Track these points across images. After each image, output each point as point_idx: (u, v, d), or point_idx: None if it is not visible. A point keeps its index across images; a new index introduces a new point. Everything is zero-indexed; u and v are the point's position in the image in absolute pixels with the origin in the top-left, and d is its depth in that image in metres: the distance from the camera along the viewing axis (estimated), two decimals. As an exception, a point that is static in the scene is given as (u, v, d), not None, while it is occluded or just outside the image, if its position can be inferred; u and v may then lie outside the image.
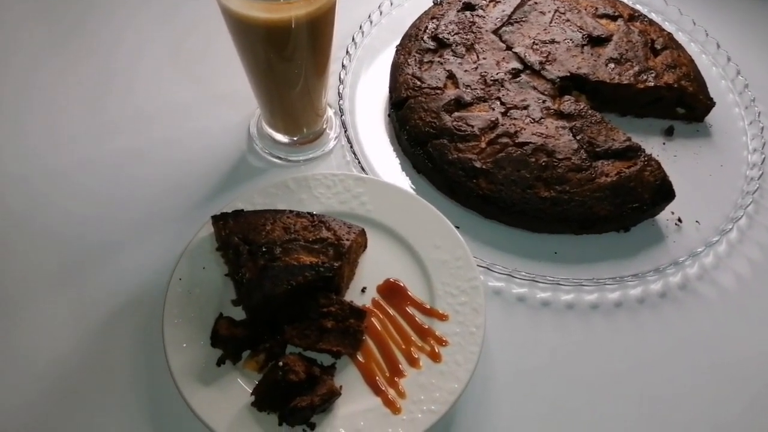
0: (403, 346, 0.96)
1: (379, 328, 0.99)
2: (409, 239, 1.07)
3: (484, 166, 1.13)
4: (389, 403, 0.91)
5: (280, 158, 1.25)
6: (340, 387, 0.90)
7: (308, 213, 1.12)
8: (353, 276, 1.05)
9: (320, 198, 1.19)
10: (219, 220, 1.09)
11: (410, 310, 1.01)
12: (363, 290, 1.03)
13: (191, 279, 1.00)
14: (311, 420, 0.87)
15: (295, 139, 1.32)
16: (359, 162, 1.20)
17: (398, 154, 1.27)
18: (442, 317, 1.00)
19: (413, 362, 0.95)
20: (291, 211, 1.12)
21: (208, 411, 0.87)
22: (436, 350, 0.96)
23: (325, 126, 1.26)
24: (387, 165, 1.23)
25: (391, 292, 1.03)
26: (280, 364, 0.88)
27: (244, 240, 1.06)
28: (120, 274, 1.07)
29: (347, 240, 1.02)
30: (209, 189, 1.20)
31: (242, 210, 1.12)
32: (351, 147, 1.21)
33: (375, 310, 1.01)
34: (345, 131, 1.23)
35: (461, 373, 0.92)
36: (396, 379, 0.93)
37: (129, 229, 1.13)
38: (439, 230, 1.06)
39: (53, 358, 0.99)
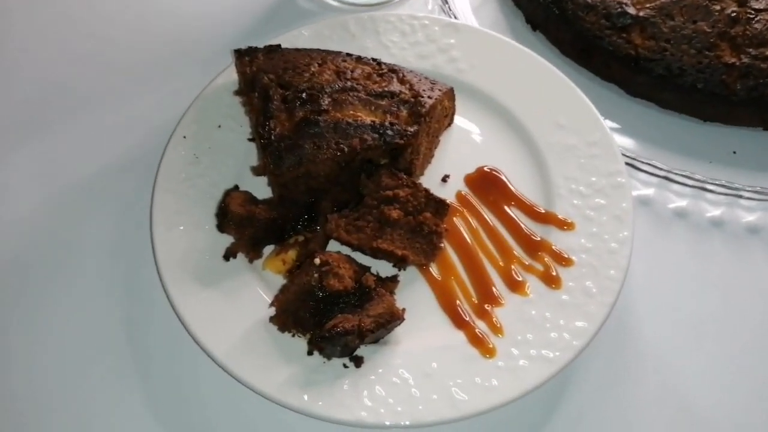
0: (501, 263, 0.77)
1: (466, 235, 0.79)
2: (518, 113, 0.87)
3: (641, 13, 0.90)
4: (477, 341, 0.72)
5: (336, -1, 1.03)
6: (403, 310, 0.71)
7: (374, 59, 0.85)
8: (431, 156, 0.86)
9: (391, 48, 0.92)
10: (245, 54, 0.82)
11: (513, 212, 0.81)
12: (444, 179, 0.85)
13: (200, 139, 0.84)
14: (357, 353, 0.69)
15: (360, -29, 1.02)
16: (449, 8, 0.97)
17: (504, 4, 1.03)
18: (564, 225, 0.79)
19: (516, 286, 0.76)
20: (349, 54, 0.85)
21: (204, 325, 0.70)
22: (553, 272, 0.75)
23: (403, -42, 1.06)
24: (487, 19, 1.01)
25: (487, 185, 0.83)
26: (317, 261, 0.70)
27: (278, 82, 0.79)
28: (112, 125, 0.92)
29: (429, 98, 0.79)
30: (239, 31, 1.01)
31: (279, 45, 0.84)
32: (439, -12, 1.00)
33: (461, 208, 0.82)
34: (431, -32, 1.01)
35: (593, 308, 0.72)
36: (488, 307, 0.74)
37: (131, 70, 0.97)
38: (566, 102, 0.86)
39: (12, 219, 0.85)
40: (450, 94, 0.83)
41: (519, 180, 0.82)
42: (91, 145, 0.90)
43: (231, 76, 0.86)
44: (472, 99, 0.88)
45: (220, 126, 0.84)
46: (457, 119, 0.87)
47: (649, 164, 0.86)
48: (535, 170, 0.82)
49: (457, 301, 0.74)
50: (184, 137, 0.82)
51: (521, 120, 0.85)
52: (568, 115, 0.84)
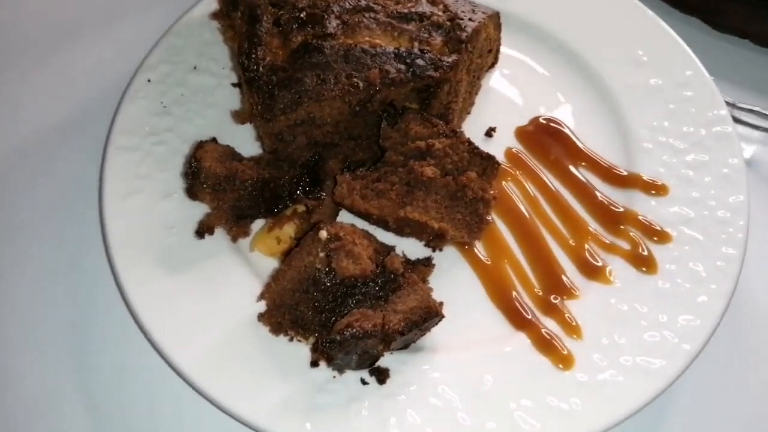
0: (572, 242, 0.70)
1: (521, 205, 0.68)
2: (582, 48, 0.77)
3: None
4: (545, 346, 0.62)
5: None
6: (441, 304, 0.61)
7: (394, -22, 0.72)
8: (472, 104, 0.74)
9: (415, -28, 0.80)
10: (226, -30, 0.66)
11: (582, 174, 0.71)
12: (489, 133, 0.73)
13: (171, 84, 0.73)
14: (379, 364, 0.58)
15: None
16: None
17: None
18: (653, 189, 0.69)
19: (594, 272, 0.65)
20: (363, -28, 0.69)
21: (169, 328, 0.61)
22: (644, 251, 0.64)
23: None
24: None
25: (545, 139, 0.75)
26: (324, 235, 0.58)
27: (270, 0, 0.66)
28: (69, 69, 0.83)
29: (471, 20, 0.66)
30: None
31: (271, -41, 0.70)
32: None
33: (512, 169, 0.71)
34: None
35: (705, 298, 0.62)
36: (557, 300, 0.63)
37: (85, 5, 0.87)
38: (644, 33, 0.76)
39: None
40: (496, 21, 0.70)
41: (588, 133, 0.74)
42: (32, 99, 0.81)
43: (210, 7, 0.73)
44: (522, 33, 0.77)
45: (195, 67, 0.73)
46: (509, 56, 0.75)
47: (752, 111, 0.72)
48: (608, 120, 0.74)
49: (514, 293, 0.63)
50: (149, 81, 0.70)
51: (587, 57, 0.75)
52: (648, 49, 0.73)
